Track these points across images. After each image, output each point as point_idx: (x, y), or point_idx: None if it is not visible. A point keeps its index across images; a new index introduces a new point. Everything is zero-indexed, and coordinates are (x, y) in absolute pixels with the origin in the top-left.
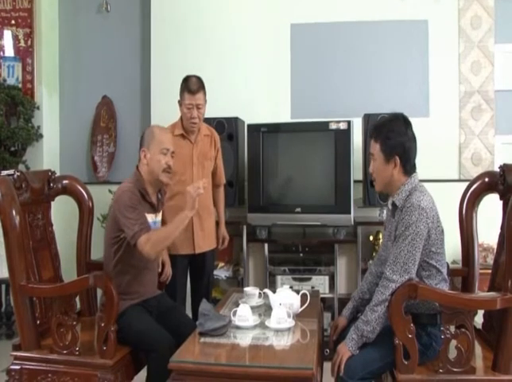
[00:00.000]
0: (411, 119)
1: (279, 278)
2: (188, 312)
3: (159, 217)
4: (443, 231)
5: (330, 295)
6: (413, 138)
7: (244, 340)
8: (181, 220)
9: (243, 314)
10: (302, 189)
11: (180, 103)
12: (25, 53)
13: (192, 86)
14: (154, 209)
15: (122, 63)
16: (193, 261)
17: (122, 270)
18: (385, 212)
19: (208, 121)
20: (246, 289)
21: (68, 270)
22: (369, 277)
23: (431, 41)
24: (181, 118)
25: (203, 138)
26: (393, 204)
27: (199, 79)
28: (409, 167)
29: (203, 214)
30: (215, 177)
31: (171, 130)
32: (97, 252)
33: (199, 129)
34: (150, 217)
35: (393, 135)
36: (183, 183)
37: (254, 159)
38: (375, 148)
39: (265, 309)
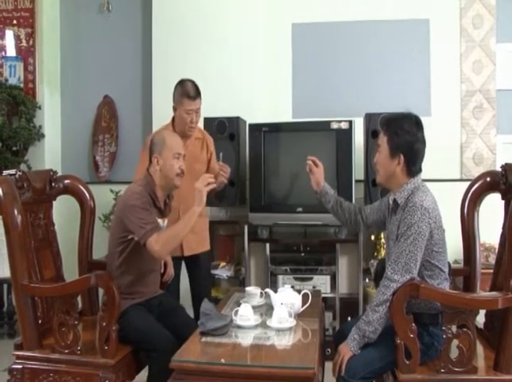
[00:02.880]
0: None
1: (280, 277)
2: (190, 312)
3: (166, 222)
4: (444, 231)
5: (331, 295)
6: (423, 141)
7: (245, 339)
8: (190, 216)
9: (245, 314)
10: (303, 188)
11: (176, 108)
12: (26, 53)
13: (191, 92)
14: (162, 214)
15: (124, 62)
16: (188, 263)
17: (126, 271)
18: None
19: (210, 121)
20: (247, 288)
21: (70, 270)
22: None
23: (432, 41)
24: (172, 122)
25: (194, 141)
26: (395, 201)
27: (194, 83)
28: (414, 169)
29: None
30: None
31: None
32: (98, 252)
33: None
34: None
35: (401, 133)
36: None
37: (255, 159)
38: (383, 140)
39: (267, 309)
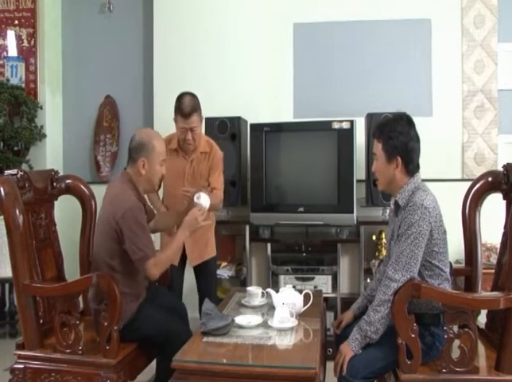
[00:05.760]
0: (414, 119)
1: (282, 277)
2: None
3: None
4: (445, 231)
5: (333, 295)
6: (416, 139)
7: (247, 339)
8: (179, 240)
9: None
10: (305, 188)
11: (175, 120)
12: (28, 53)
13: (184, 109)
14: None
15: (125, 62)
16: (195, 269)
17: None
18: (388, 211)
19: (211, 121)
20: (248, 288)
21: (71, 270)
22: (378, 275)
23: (434, 40)
24: None
25: (200, 155)
26: (396, 204)
27: (193, 98)
28: (411, 167)
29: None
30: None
31: (167, 142)
32: None
33: (196, 146)
34: None
35: (395, 135)
36: (174, 198)
37: (256, 159)
38: (377, 147)
39: (268, 309)
